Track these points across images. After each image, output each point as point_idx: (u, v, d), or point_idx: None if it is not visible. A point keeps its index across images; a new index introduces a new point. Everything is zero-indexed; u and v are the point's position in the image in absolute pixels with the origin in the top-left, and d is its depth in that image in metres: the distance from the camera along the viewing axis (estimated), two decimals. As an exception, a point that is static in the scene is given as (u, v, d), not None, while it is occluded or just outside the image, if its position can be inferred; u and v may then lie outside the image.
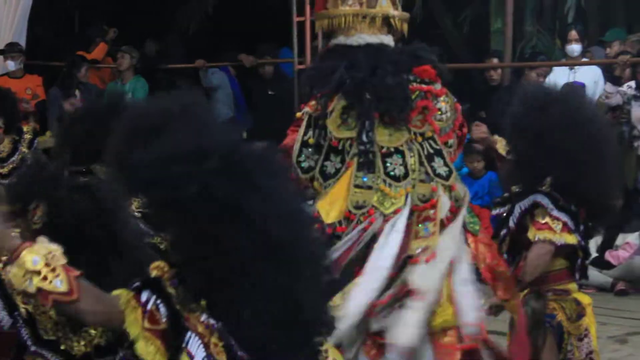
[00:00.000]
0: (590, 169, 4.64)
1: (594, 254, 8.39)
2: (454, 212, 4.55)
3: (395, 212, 4.42)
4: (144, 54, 11.99)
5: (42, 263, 2.73)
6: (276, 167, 2.73)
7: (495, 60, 10.49)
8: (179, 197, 2.60)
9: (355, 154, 4.45)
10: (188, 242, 2.68)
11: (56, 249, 2.79)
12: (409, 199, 4.46)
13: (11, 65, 11.00)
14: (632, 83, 9.34)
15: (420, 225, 4.49)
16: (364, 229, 4.41)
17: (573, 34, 10.18)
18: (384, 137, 4.46)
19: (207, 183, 2.57)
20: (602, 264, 9.02)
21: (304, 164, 4.53)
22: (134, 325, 2.71)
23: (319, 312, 2.75)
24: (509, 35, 10.59)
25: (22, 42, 11.32)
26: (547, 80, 9.99)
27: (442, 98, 4.62)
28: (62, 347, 3.26)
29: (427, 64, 4.53)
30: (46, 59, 11.58)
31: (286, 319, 2.62)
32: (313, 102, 4.54)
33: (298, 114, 4.62)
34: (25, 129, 8.96)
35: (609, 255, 9.22)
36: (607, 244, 9.29)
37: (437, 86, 4.58)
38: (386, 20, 4.59)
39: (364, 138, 4.43)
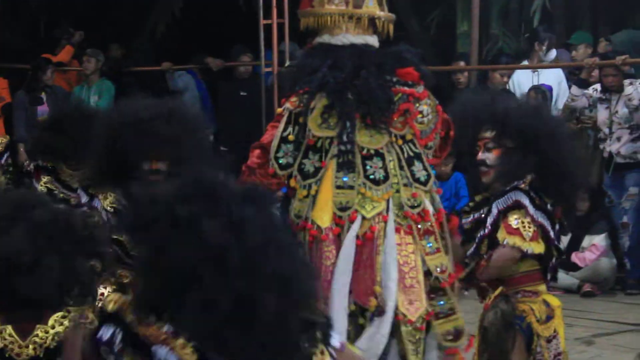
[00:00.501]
0: (569, 168, 4.70)
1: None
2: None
3: (379, 216, 4.44)
4: (110, 57, 11.99)
5: None
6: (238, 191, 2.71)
7: (462, 63, 10.50)
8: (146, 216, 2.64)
9: (334, 154, 4.46)
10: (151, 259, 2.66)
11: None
12: (390, 204, 4.47)
13: (-24, 68, 11.02)
14: (598, 86, 9.33)
15: (424, 241, 4.54)
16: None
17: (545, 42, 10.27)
18: (364, 139, 4.47)
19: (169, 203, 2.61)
20: (569, 265, 9.06)
21: (282, 160, 4.53)
22: None
23: (286, 316, 2.68)
24: (476, 37, 10.61)
25: None
26: (510, 81, 10.10)
27: (424, 101, 4.64)
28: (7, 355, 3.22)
29: (411, 66, 4.57)
30: (12, 61, 11.58)
31: (252, 323, 2.60)
32: (294, 99, 4.54)
33: (279, 110, 4.64)
34: None
35: (575, 257, 9.30)
36: (574, 245, 9.32)
37: (420, 89, 4.61)
38: (372, 20, 4.62)
39: (344, 138, 4.44)
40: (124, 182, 4.64)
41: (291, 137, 4.51)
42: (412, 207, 4.51)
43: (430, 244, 4.55)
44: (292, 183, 4.51)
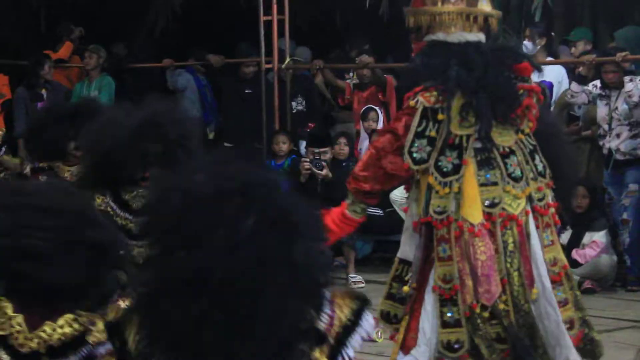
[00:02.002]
0: (564, 169, 4.79)
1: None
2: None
3: (524, 212, 4.52)
4: (111, 54, 11.98)
5: None
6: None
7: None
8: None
9: (474, 150, 4.52)
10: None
11: None
12: (528, 200, 4.57)
13: (-24, 65, 11.11)
14: (597, 82, 9.27)
15: (543, 233, 4.59)
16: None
17: (527, 31, 10.22)
18: (496, 136, 4.53)
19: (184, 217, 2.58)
20: (569, 262, 8.90)
21: (416, 155, 4.54)
22: None
23: (279, 326, 2.63)
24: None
25: None
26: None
27: (535, 94, 4.72)
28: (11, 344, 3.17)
29: (526, 62, 4.66)
30: (12, 58, 11.62)
31: (245, 331, 2.55)
32: (428, 94, 4.52)
33: (411, 102, 4.58)
34: None
35: (576, 254, 9.24)
36: (574, 242, 9.27)
37: (533, 83, 4.75)
38: (485, 19, 4.67)
39: (484, 135, 4.51)
40: (112, 186, 4.75)
41: (433, 134, 4.53)
42: (539, 200, 4.58)
43: (548, 237, 4.61)
44: (431, 180, 4.53)
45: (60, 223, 3.07)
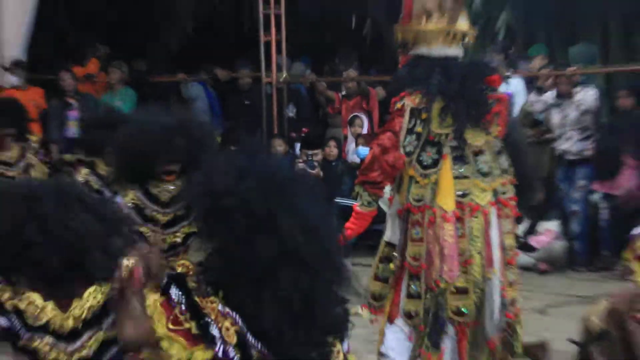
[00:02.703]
0: (526, 171, 4.82)
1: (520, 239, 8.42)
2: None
3: (489, 204, 4.50)
4: (132, 69, 11.86)
5: None
6: (309, 188, 2.69)
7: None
8: (221, 207, 2.58)
9: (450, 148, 4.50)
10: (228, 247, 2.61)
11: None
12: (494, 193, 4.55)
13: (17, 79, 11.03)
14: (553, 92, 9.37)
15: (504, 222, 4.58)
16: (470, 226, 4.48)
17: (492, 47, 10.30)
18: (469, 137, 4.52)
19: (246, 198, 2.55)
20: (527, 247, 9.10)
21: (408, 148, 4.53)
22: (160, 327, 2.59)
23: (332, 314, 2.65)
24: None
25: (25, 58, 11.27)
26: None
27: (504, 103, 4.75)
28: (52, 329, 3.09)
29: (497, 74, 4.65)
30: (46, 73, 11.45)
31: (300, 316, 2.54)
32: (413, 97, 4.52)
33: (398, 105, 4.57)
34: (32, 138, 8.98)
35: (532, 240, 9.36)
36: (531, 230, 9.45)
37: (501, 93, 4.74)
38: (463, 37, 4.65)
39: (459, 135, 4.49)
40: (142, 182, 4.78)
41: (420, 130, 4.52)
42: (503, 193, 4.56)
43: (507, 225, 4.60)
44: (411, 171, 4.52)
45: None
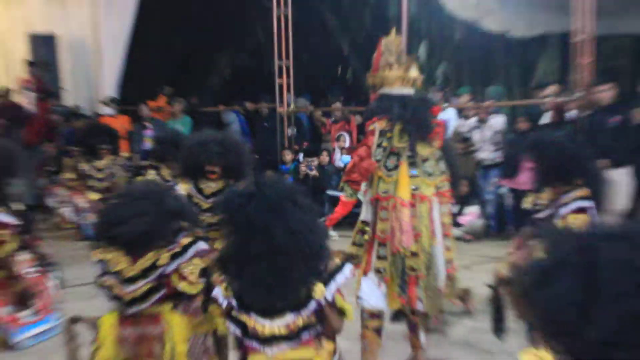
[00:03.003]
0: (459, 169, 4.80)
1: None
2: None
3: (432, 195, 4.36)
4: (189, 102, 11.69)
5: None
6: (297, 201, 2.62)
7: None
8: (233, 219, 2.61)
9: (406, 157, 4.41)
10: (234, 242, 2.63)
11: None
12: (436, 187, 4.44)
13: (111, 110, 11.08)
14: (475, 119, 9.22)
15: (443, 207, 4.43)
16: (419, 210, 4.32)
17: (432, 88, 10.17)
18: (419, 149, 4.42)
19: (250, 213, 2.56)
20: (456, 224, 9.05)
21: (377, 157, 4.41)
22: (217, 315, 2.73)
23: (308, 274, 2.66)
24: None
25: (117, 95, 11.41)
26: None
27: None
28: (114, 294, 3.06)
29: (436, 106, 4.55)
30: (130, 105, 11.37)
31: (278, 283, 2.58)
32: (381, 122, 4.41)
33: (371, 127, 4.45)
34: (124, 154, 8.92)
35: (460, 219, 9.26)
36: (459, 212, 9.38)
37: (440, 119, 4.64)
38: (414, 81, 4.54)
39: (412, 148, 4.41)
40: (195, 177, 4.60)
41: (385, 144, 4.39)
42: (441, 187, 4.42)
43: (444, 209, 4.44)
44: (380, 173, 4.39)
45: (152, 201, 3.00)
